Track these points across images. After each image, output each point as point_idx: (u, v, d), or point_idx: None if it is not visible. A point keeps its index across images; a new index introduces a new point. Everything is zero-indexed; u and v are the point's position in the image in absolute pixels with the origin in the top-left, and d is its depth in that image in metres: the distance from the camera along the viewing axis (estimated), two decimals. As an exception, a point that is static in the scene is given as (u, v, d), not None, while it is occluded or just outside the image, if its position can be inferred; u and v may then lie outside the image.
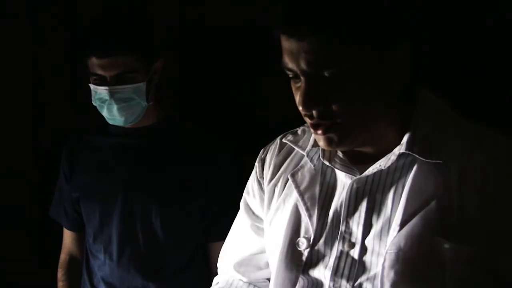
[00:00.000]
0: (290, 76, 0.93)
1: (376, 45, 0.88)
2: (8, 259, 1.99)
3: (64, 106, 2.00)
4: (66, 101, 1.99)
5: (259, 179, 1.15)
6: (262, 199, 1.14)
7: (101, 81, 1.53)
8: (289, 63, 0.90)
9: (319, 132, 0.93)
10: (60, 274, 1.79)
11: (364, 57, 0.88)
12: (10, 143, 1.98)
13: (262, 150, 1.17)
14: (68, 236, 1.79)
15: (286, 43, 0.89)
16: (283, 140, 1.12)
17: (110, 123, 1.60)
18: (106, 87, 1.52)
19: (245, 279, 1.20)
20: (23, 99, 2.01)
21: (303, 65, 0.88)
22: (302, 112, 0.93)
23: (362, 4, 0.86)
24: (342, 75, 0.88)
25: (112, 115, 1.56)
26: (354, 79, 0.88)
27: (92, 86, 1.55)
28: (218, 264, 1.27)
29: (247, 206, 1.18)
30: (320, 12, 0.85)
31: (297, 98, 0.92)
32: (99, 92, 1.53)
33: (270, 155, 1.13)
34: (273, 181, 1.10)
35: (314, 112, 0.91)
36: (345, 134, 0.93)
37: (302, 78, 0.90)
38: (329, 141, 0.94)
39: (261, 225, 1.15)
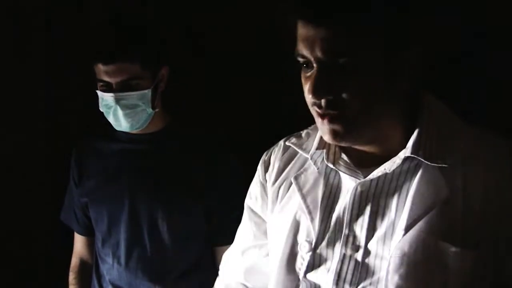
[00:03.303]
0: (303, 64, 0.92)
1: (391, 41, 0.88)
2: (19, 263, 2.01)
3: (76, 112, 2.01)
4: (78, 107, 2.00)
5: (261, 181, 1.14)
6: (264, 202, 1.14)
7: (107, 88, 1.54)
8: (303, 49, 0.90)
9: (325, 121, 0.92)
10: (71, 278, 1.81)
11: (378, 51, 0.87)
12: (22, 149, 1.99)
13: (265, 153, 1.16)
14: (78, 241, 1.81)
15: (303, 30, 0.89)
16: (287, 143, 1.11)
17: (117, 129, 1.61)
18: (112, 94, 1.53)
19: (250, 286, 1.19)
20: (36, 105, 2.02)
21: (317, 52, 0.88)
22: (311, 101, 0.92)
23: None
24: (355, 65, 0.87)
25: (118, 121, 1.57)
26: (366, 71, 0.88)
27: (99, 92, 1.57)
28: (221, 267, 1.26)
29: (249, 209, 1.18)
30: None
31: (307, 87, 0.92)
32: (105, 98, 1.55)
33: (274, 157, 1.13)
34: (276, 184, 1.10)
35: (322, 101, 0.90)
36: (351, 127, 0.92)
37: (315, 65, 0.90)
38: (334, 134, 0.93)
39: (263, 227, 1.15)
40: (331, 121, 0.92)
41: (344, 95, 0.89)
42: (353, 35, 0.86)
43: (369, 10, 0.85)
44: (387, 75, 0.89)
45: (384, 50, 0.88)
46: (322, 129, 0.95)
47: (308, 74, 0.91)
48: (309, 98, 0.92)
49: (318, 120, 0.94)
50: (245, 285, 1.20)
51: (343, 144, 0.98)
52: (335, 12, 0.85)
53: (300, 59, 0.92)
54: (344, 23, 0.86)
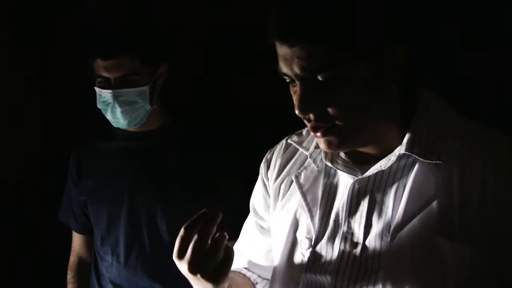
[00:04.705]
0: (287, 80, 0.94)
1: (369, 50, 0.88)
2: (19, 262, 2.01)
3: (74, 111, 2.02)
4: (76, 106, 2.01)
5: (264, 179, 1.16)
6: (265, 200, 1.15)
7: (105, 84, 1.54)
8: (283, 68, 0.91)
9: (318, 134, 0.94)
10: (69, 276, 1.82)
11: (357, 61, 0.87)
12: (20, 147, 2.00)
13: (268, 151, 1.18)
14: (77, 239, 1.82)
15: (280, 49, 0.90)
16: (288, 141, 1.13)
17: (114, 125, 1.62)
18: (110, 91, 1.53)
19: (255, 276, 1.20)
20: (33, 103, 2.03)
21: (296, 70, 0.89)
22: (300, 116, 0.93)
23: (353, 11, 0.86)
24: (336, 79, 0.88)
25: (116, 118, 1.58)
26: (349, 82, 0.88)
27: (97, 89, 1.57)
28: None
29: (253, 207, 1.20)
30: (311, 19, 0.86)
31: (294, 101, 0.93)
32: (103, 95, 1.55)
33: (276, 155, 1.14)
34: (278, 181, 1.11)
35: (311, 115, 0.92)
36: (344, 136, 0.93)
37: (297, 82, 0.91)
38: (328, 144, 0.94)
39: (265, 225, 1.16)
40: (323, 133, 0.93)
41: (331, 108, 0.90)
42: (329, 52, 0.86)
43: (341, 28, 0.85)
44: (371, 81, 0.89)
45: (363, 59, 0.88)
46: (317, 140, 0.97)
47: (295, 88, 0.93)
48: (297, 113, 0.93)
49: (311, 132, 0.95)
50: (246, 269, 1.20)
51: (339, 151, 1.00)
52: (309, 32, 0.86)
53: (284, 76, 0.93)
54: (319, 42, 0.86)
